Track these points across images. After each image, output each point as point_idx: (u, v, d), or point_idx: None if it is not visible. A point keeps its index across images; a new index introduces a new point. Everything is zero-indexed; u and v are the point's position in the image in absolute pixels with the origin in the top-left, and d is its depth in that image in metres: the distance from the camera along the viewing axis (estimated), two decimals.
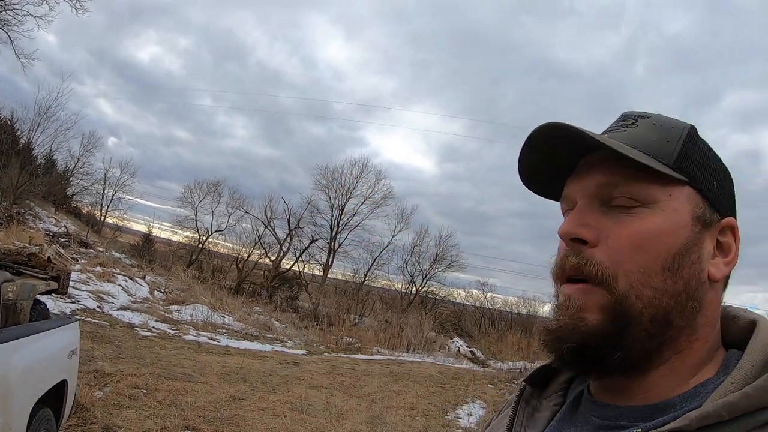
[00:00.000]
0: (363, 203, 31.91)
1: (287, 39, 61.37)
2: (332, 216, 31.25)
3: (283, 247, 29.77)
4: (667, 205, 0.75)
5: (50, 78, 42.49)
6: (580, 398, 0.86)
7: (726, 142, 52.65)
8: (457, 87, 64.33)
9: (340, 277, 32.10)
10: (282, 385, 9.69)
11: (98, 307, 13.21)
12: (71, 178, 30.19)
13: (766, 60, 56.95)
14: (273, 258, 29.42)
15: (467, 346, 22.71)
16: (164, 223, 32.78)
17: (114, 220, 32.30)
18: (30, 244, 5.89)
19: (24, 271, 5.30)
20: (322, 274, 30.99)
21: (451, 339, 23.40)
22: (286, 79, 57.37)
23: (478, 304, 31.00)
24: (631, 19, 60.83)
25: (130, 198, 32.80)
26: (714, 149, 0.84)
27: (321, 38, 62.29)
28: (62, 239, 19.22)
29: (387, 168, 54.42)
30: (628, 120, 0.83)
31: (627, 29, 61.69)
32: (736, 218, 0.81)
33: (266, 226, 29.98)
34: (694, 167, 0.78)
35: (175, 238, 31.93)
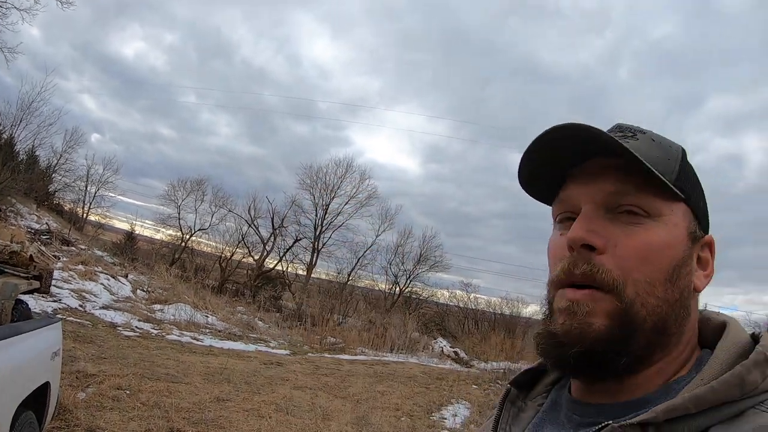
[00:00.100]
0: (347, 203, 31.96)
1: (273, 37, 61.24)
2: (316, 215, 31.23)
3: (266, 247, 29.72)
4: (669, 219, 0.79)
5: (33, 72, 42.04)
6: (561, 399, 0.90)
7: (709, 146, 53.57)
8: (443, 87, 64.66)
9: (323, 276, 32.10)
10: (266, 386, 9.62)
11: (80, 306, 13.02)
12: (53, 175, 29.86)
13: (749, 65, 57.61)
14: (256, 257, 29.34)
15: (451, 347, 22.79)
16: (147, 221, 32.49)
17: (96, 217, 32.02)
18: (11, 242, 5.75)
19: (5, 270, 5.20)
20: (305, 273, 30.90)
21: (435, 339, 23.47)
22: (272, 77, 57.24)
23: (461, 305, 31.22)
24: (616, 23, 61.47)
25: (113, 195, 32.51)
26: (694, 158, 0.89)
27: (307, 36, 62.20)
28: (44, 237, 19.01)
29: (371, 168, 54.49)
30: (626, 132, 0.85)
31: (612, 33, 62.39)
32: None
33: (250, 225, 29.94)
34: (689, 186, 0.83)
35: (157, 236, 31.76)
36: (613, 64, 63.19)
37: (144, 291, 17.39)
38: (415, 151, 64.52)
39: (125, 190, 33.65)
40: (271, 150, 53.86)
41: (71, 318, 11.23)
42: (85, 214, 31.32)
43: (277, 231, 29.76)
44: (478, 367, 19.74)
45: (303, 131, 54.69)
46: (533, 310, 30.85)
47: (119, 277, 17.41)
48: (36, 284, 5.49)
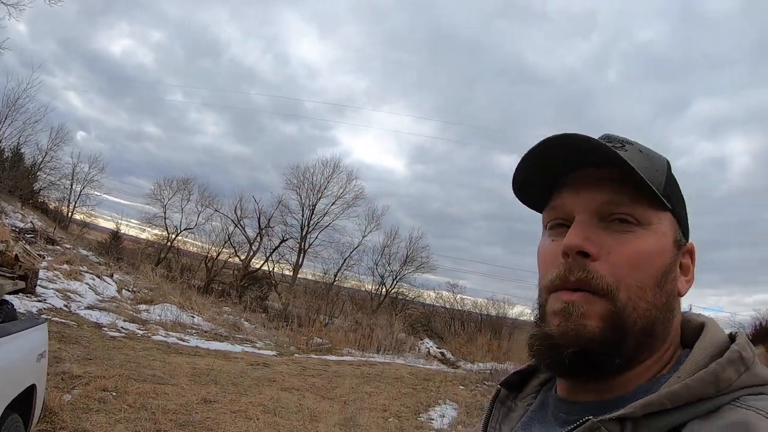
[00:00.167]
0: (334, 203, 31.90)
1: (261, 36, 60.89)
2: (303, 216, 31.14)
3: (253, 247, 29.58)
4: (658, 228, 0.84)
5: (20, 68, 41.51)
6: (549, 399, 0.94)
7: (694, 150, 54.08)
8: (429, 88, 64.69)
9: (310, 277, 32.02)
10: (253, 387, 9.58)
11: (65, 306, 12.86)
12: (38, 173, 29.36)
13: (735, 70, 58.21)
14: (243, 257, 29.19)
15: (437, 347, 22.82)
16: (132, 221, 32.10)
17: (81, 216, 31.55)
18: None
19: None
20: (292, 274, 30.83)
21: (421, 340, 23.49)
22: (259, 77, 56.82)
23: (447, 306, 31.27)
24: (603, 26, 61.86)
25: (99, 194, 32.05)
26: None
27: (295, 36, 62.01)
28: (29, 236, 18.75)
29: (358, 168, 54.25)
30: (615, 143, 0.87)
31: (599, 36, 62.83)
32: None
33: (236, 225, 29.77)
34: (674, 196, 0.88)
35: (143, 235, 31.40)
36: (599, 67, 63.65)
37: (129, 291, 17.23)
38: (402, 151, 64.67)
39: (111, 188, 33.33)
40: (257, 149, 53.62)
41: (56, 318, 11.07)
42: (70, 213, 30.94)
43: (264, 231, 29.67)
44: (465, 367, 19.80)
45: (290, 131, 54.55)
46: (519, 310, 31.07)
47: (104, 277, 17.24)
48: (21, 284, 5.44)
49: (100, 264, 19.71)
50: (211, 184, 42.48)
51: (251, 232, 29.90)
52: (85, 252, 21.67)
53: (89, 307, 13.56)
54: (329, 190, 31.87)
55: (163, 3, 54.80)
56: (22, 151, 28.01)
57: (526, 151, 0.87)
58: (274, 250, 29.87)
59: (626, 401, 0.75)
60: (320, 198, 31.55)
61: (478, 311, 30.08)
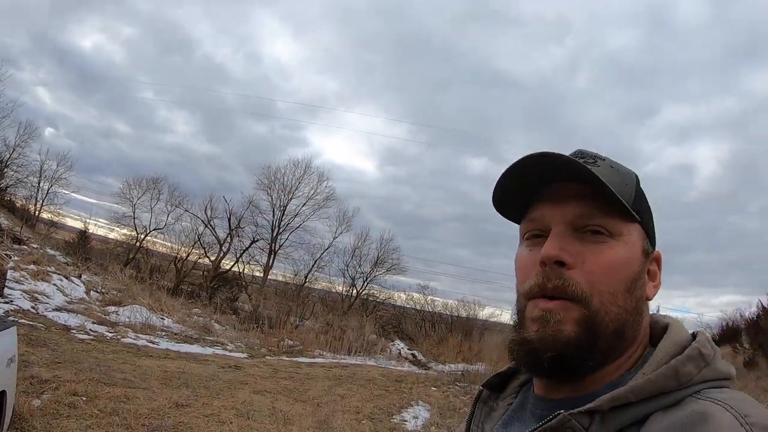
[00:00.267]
0: (305, 204, 31.58)
1: (234, 34, 60.03)
2: (273, 216, 30.78)
3: (223, 247, 29.18)
4: (628, 238, 0.91)
5: None
6: (528, 397, 1.00)
7: (662, 155, 55.07)
8: (401, 90, 64.66)
9: (280, 278, 31.72)
10: (225, 390, 9.49)
11: (32, 307, 12.51)
12: (5, 170, 28.53)
13: (703, 77, 59.54)
14: (213, 258, 28.84)
15: (408, 349, 22.89)
16: (101, 220, 31.34)
17: (49, 215, 30.68)
18: None
19: None
20: (262, 275, 30.58)
21: (393, 342, 23.54)
22: (230, 75, 55.95)
23: (418, 307, 31.36)
24: (575, 32, 62.54)
25: (67, 192, 31.21)
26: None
27: (268, 35, 61.19)
28: None
29: (329, 169, 53.89)
30: (588, 159, 0.94)
31: (571, 42, 63.40)
32: None
33: (206, 225, 29.31)
34: (642, 209, 0.95)
35: (112, 235, 30.59)
36: (571, 72, 64.35)
37: (98, 292, 16.85)
38: (373, 153, 64.73)
39: (79, 187, 32.44)
40: (228, 149, 52.72)
41: (24, 320, 10.76)
42: (37, 212, 30.15)
43: (234, 232, 29.32)
44: (436, 369, 19.91)
45: (261, 131, 53.90)
46: (489, 312, 31.32)
47: (72, 278, 16.81)
48: None
49: (68, 264, 19.20)
50: (181, 183, 41.85)
51: (221, 233, 29.55)
52: (52, 252, 21.15)
53: (57, 309, 13.19)
54: (300, 190, 31.62)
55: None
56: None
57: (505, 169, 0.93)
58: (244, 251, 29.59)
59: (597, 397, 0.80)
60: (291, 199, 31.28)
61: (448, 313, 30.25)
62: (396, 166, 59.31)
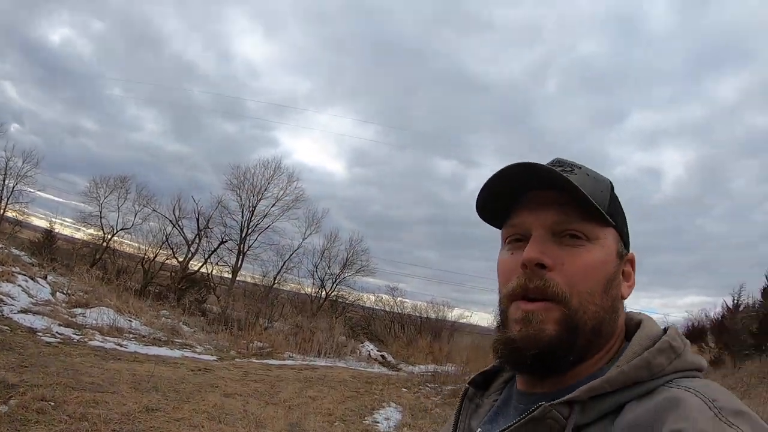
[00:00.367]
0: (274, 205, 31.26)
1: (205, 31, 58.95)
2: (242, 217, 30.33)
3: (191, 248, 28.77)
4: (603, 242, 0.97)
5: None
6: (512, 393, 1.06)
7: (630, 159, 56.27)
8: (371, 92, 64.78)
9: (249, 279, 31.29)
10: (196, 394, 9.38)
11: None
12: None
13: (670, 84, 61.12)
14: (181, 259, 28.44)
15: (378, 350, 22.92)
16: (67, 219, 30.55)
17: (14, 213, 29.93)
18: None
19: None
20: (230, 276, 30.25)
21: (362, 343, 23.52)
22: (200, 73, 54.94)
23: (387, 309, 31.34)
24: (545, 38, 63.40)
25: (32, 191, 30.36)
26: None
27: (239, 33, 60.54)
28: None
29: (299, 170, 53.57)
30: (565, 167, 1.01)
31: (541, 47, 64.28)
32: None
33: (174, 226, 28.74)
34: (617, 214, 1.01)
35: (78, 235, 29.68)
36: (541, 77, 65.27)
37: (64, 294, 16.41)
38: (342, 154, 64.64)
39: (45, 185, 31.46)
40: (197, 148, 51.73)
41: None
42: (2, 210, 29.42)
43: (203, 232, 28.88)
44: (406, 370, 20.00)
45: (230, 130, 53.15)
46: (458, 313, 31.50)
47: (38, 279, 16.40)
48: None
49: (34, 265, 18.72)
50: (149, 182, 40.78)
51: (189, 233, 29.02)
52: (17, 252, 20.61)
53: (23, 311, 12.76)
54: (270, 191, 31.18)
55: None
56: None
57: (488, 178, 0.98)
58: (213, 251, 29.16)
59: (575, 390, 0.86)
60: (260, 199, 30.85)
61: (417, 314, 30.29)
62: (365, 168, 59.42)
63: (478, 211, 1.05)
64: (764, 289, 21.38)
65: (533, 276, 0.93)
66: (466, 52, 63.83)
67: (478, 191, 1.01)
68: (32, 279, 16.00)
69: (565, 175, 0.93)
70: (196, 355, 14.40)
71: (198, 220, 28.80)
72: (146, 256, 27.56)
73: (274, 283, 30.15)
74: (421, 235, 55.04)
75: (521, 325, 0.93)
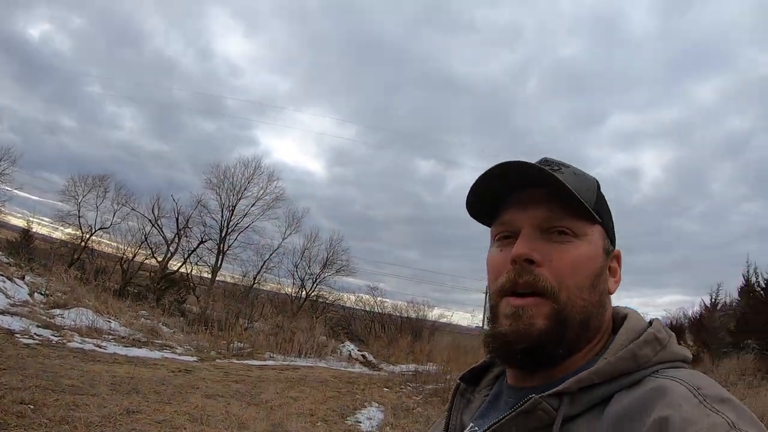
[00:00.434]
0: (254, 204, 31.08)
1: (185, 29, 58.35)
2: (222, 216, 30.12)
3: (170, 248, 28.47)
4: (590, 238, 0.99)
5: None
6: (502, 388, 1.08)
7: (609, 160, 56.94)
8: (352, 92, 64.93)
9: (228, 279, 31.07)
10: (177, 395, 9.30)
11: None
12: None
13: (649, 87, 62.00)
14: (160, 259, 28.14)
15: (359, 350, 22.91)
16: (45, 219, 30.00)
17: None
18: None
19: None
20: (210, 276, 30.01)
21: (343, 343, 23.49)
22: (180, 71, 54.41)
23: (368, 309, 31.37)
24: (527, 40, 63.85)
25: (9, 189, 29.92)
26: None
27: (220, 31, 60.10)
28: None
29: (280, 170, 53.28)
30: (553, 166, 1.03)
31: (523, 49, 64.71)
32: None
33: (153, 225, 28.41)
34: (603, 211, 1.04)
35: (56, 234, 29.16)
36: (521, 78, 65.72)
37: (42, 294, 16.15)
38: (322, 153, 64.52)
39: (22, 183, 30.85)
40: (176, 147, 51.25)
41: None
42: None
43: (182, 232, 28.61)
44: (387, 369, 20.02)
45: (210, 129, 52.77)
46: (438, 313, 31.61)
47: (15, 279, 16.15)
48: None
49: (11, 265, 18.40)
50: (128, 181, 40.14)
51: (169, 233, 28.73)
52: None
53: (0, 312, 12.74)
54: (249, 190, 31.02)
55: None
56: None
57: (478, 176, 1.01)
58: (192, 251, 28.90)
59: (564, 382, 0.88)
60: (240, 199, 30.68)
61: (398, 314, 30.40)
62: (345, 167, 59.53)
63: (468, 209, 1.07)
64: (741, 288, 21.75)
65: (523, 271, 0.95)
66: (447, 53, 64.31)
67: (468, 189, 1.03)
68: (9, 279, 15.75)
69: (553, 173, 0.95)
70: (176, 356, 14.29)
71: (177, 219, 28.54)
72: (125, 256, 27.21)
73: (254, 283, 30.01)
74: (401, 235, 55.29)
75: (511, 320, 0.95)
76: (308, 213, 35.13)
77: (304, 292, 31.44)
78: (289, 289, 31.58)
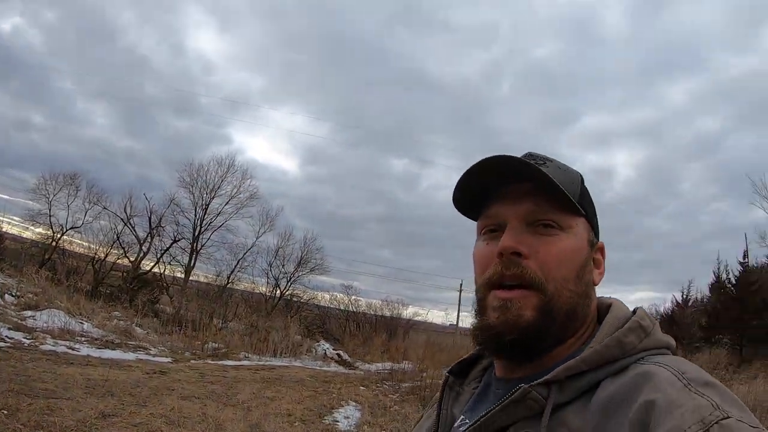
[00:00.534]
0: (228, 203, 30.70)
1: (158, 24, 57.18)
2: (195, 215, 29.67)
3: (143, 247, 28.01)
4: (575, 231, 1.02)
5: None
6: (491, 380, 1.10)
7: (582, 159, 57.55)
8: (326, 90, 64.65)
9: (202, 279, 30.68)
10: (152, 397, 9.23)
11: None
12: None
13: (622, 88, 62.92)
14: (132, 259, 27.76)
15: (334, 349, 22.88)
16: (14, 218, 29.38)
17: None
18: None
19: None
20: (183, 276, 29.69)
21: (318, 342, 23.43)
22: (152, 67, 53.44)
23: (342, 307, 31.31)
24: (501, 40, 64.29)
25: None
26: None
27: (193, 27, 59.41)
28: None
29: (253, 168, 52.89)
30: (538, 160, 1.04)
31: (497, 49, 65.11)
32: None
33: (125, 224, 27.93)
34: (587, 204, 1.06)
35: (26, 234, 28.41)
36: (496, 78, 66.19)
37: (13, 296, 15.89)
38: (295, 152, 64.35)
39: None
40: (148, 144, 50.38)
41: None
42: None
43: (155, 231, 28.17)
44: (363, 368, 20.03)
45: (183, 126, 52.10)
46: (413, 311, 31.73)
47: None
48: None
49: None
50: (99, 179, 39.46)
51: (141, 232, 28.15)
52: None
53: None
54: (223, 189, 30.54)
55: None
56: None
57: (464, 171, 1.02)
58: (165, 250, 28.47)
59: (551, 371, 0.90)
60: (214, 197, 30.26)
61: (372, 312, 30.35)
62: (318, 166, 59.46)
63: (454, 204, 1.09)
64: (712, 284, 22.22)
65: (510, 264, 0.97)
66: (422, 52, 64.47)
67: (455, 184, 1.05)
68: None
69: (538, 167, 0.98)
70: (151, 358, 14.14)
71: (150, 218, 28.07)
72: (97, 256, 26.74)
73: (227, 283, 29.69)
74: (375, 234, 55.37)
75: (499, 312, 0.97)
76: (282, 212, 34.80)
77: (278, 292, 31.19)
78: (264, 289, 31.28)
